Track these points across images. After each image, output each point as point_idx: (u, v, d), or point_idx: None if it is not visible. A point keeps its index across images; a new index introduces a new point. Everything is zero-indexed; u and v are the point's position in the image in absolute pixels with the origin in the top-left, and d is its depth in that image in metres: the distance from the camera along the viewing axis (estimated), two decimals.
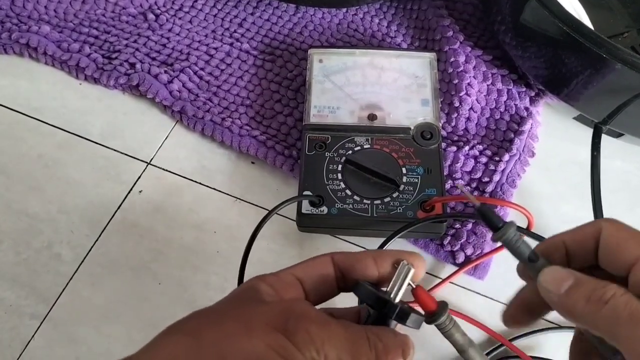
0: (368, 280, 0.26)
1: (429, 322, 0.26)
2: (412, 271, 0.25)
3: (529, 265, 0.25)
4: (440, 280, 0.41)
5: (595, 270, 0.25)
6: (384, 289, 0.26)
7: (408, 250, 0.27)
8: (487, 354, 0.38)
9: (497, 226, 0.25)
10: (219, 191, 0.44)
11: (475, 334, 0.38)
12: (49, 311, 0.39)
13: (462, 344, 0.26)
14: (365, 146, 0.42)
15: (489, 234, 0.42)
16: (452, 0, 0.54)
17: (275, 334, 0.21)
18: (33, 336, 0.39)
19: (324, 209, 0.40)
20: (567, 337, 0.38)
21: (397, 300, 0.25)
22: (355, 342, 0.22)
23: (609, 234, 0.24)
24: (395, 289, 0.25)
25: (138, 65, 0.48)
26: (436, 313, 0.25)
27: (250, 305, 0.23)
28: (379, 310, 0.25)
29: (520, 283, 0.40)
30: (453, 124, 0.47)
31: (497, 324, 0.39)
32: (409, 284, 0.26)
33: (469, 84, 0.47)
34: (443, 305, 0.25)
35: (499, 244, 0.41)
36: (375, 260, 0.26)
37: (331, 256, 0.26)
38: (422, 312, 0.26)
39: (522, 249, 0.25)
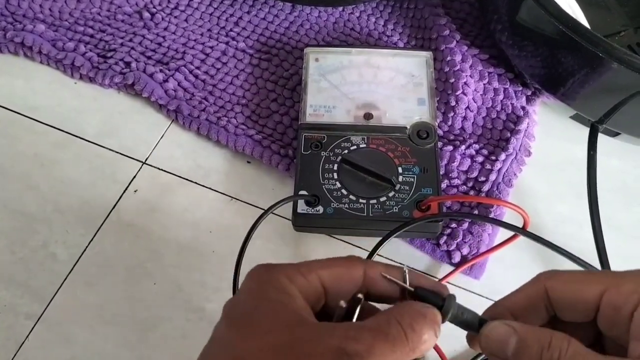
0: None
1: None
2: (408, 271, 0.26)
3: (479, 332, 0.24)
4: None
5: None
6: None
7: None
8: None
9: (438, 304, 0.24)
10: (215, 190, 0.44)
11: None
12: (44, 311, 0.39)
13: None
14: (361, 145, 0.42)
15: (485, 234, 0.42)
16: None
17: None
18: (28, 336, 0.38)
19: (320, 209, 0.39)
20: None
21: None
22: (394, 349, 0.22)
23: (558, 292, 0.24)
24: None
25: (133, 64, 0.48)
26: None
27: (302, 337, 0.22)
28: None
29: (516, 283, 0.40)
30: (449, 123, 0.47)
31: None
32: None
33: (465, 83, 0.47)
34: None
35: (495, 243, 0.42)
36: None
37: (364, 269, 0.25)
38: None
39: (469, 319, 0.24)
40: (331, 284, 0.25)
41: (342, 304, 0.25)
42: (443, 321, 0.24)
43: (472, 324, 0.25)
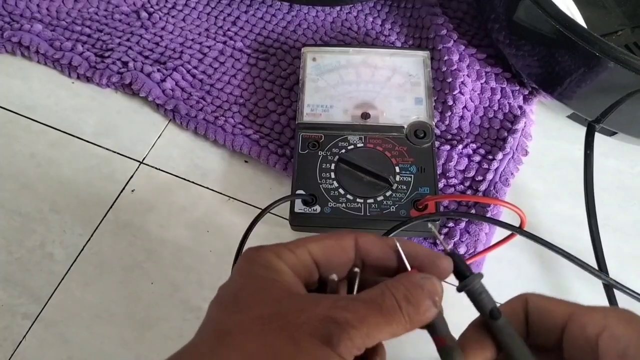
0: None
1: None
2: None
3: (489, 321, 0.25)
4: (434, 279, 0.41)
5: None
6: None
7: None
8: None
9: (464, 275, 0.25)
10: (212, 190, 0.44)
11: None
12: (41, 311, 0.39)
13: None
14: (358, 145, 0.42)
15: (482, 233, 0.42)
16: None
17: (321, 349, 0.20)
18: (25, 336, 0.38)
19: (317, 208, 0.39)
20: None
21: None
22: (390, 321, 0.22)
23: (535, 302, 0.25)
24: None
25: (131, 64, 0.47)
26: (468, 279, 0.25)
27: (288, 307, 0.22)
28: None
29: (513, 283, 0.40)
30: (447, 122, 0.47)
31: None
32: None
33: (462, 82, 0.47)
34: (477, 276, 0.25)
35: (493, 242, 0.42)
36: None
37: (355, 239, 0.25)
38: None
39: (485, 302, 0.25)
40: (322, 257, 0.24)
41: (334, 277, 0.24)
42: (459, 291, 0.25)
43: (484, 309, 0.25)
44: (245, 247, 0.38)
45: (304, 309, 0.21)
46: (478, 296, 0.25)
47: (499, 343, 0.25)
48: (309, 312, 0.21)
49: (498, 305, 0.25)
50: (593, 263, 0.39)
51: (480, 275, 0.25)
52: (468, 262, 0.40)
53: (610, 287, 0.39)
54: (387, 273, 0.25)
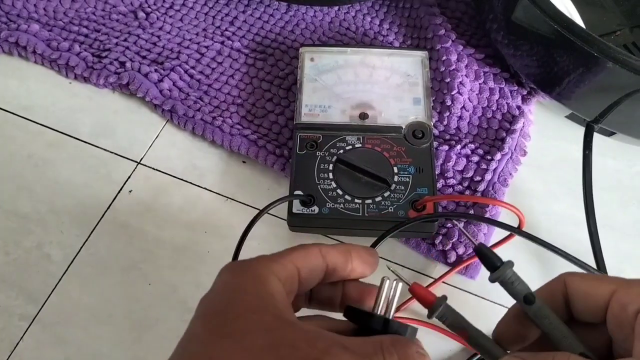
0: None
1: (429, 317, 0.26)
2: (400, 286, 0.25)
3: (525, 307, 0.26)
4: (433, 280, 0.41)
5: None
6: (373, 304, 0.26)
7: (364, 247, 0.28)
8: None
9: (495, 266, 0.26)
10: (210, 191, 0.44)
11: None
12: (39, 312, 0.39)
13: (464, 326, 0.26)
14: (356, 145, 0.42)
15: (481, 233, 0.42)
16: None
17: None
18: (22, 337, 0.38)
19: (315, 209, 0.39)
20: None
21: (392, 316, 0.25)
22: None
23: (575, 286, 0.25)
24: (391, 306, 0.25)
25: (128, 64, 0.47)
26: (434, 306, 0.26)
27: (282, 341, 0.21)
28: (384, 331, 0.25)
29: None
30: (445, 122, 0.47)
31: (488, 324, 0.39)
32: (405, 282, 0.26)
33: (461, 82, 0.47)
34: (441, 299, 0.26)
35: (491, 242, 0.41)
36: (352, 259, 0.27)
37: (319, 250, 0.26)
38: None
39: (518, 290, 0.26)
40: (302, 264, 0.25)
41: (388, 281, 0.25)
42: (492, 281, 0.26)
43: (518, 296, 0.26)
44: (243, 247, 0.38)
45: (298, 347, 0.21)
46: (510, 285, 0.26)
47: (538, 326, 0.26)
48: (302, 352, 0.21)
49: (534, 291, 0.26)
50: (592, 263, 0.39)
51: (511, 264, 0.26)
52: (467, 263, 0.40)
53: None
54: (341, 276, 0.27)
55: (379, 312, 0.25)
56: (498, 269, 0.26)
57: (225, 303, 0.23)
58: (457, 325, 0.26)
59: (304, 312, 0.27)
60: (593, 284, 0.25)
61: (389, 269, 0.29)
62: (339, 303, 0.27)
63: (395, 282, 0.25)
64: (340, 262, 0.26)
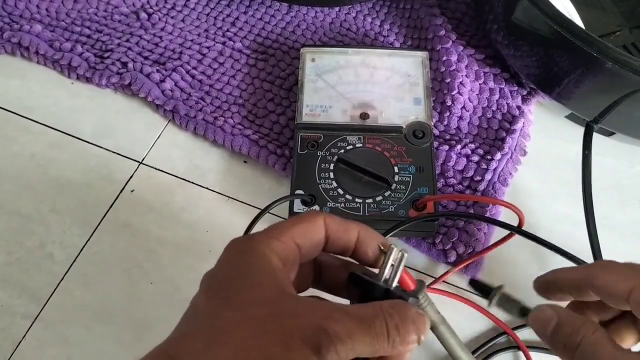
0: (342, 253, 0.26)
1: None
2: (405, 256, 0.25)
3: (524, 320, 0.28)
4: (434, 279, 0.41)
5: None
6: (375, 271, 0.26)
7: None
8: (488, 342, 0.39)
9: (488, 292, 0.29)
10: (211, 190, 0.44)
11: (479, 323, 0.39)
12: (41, 311, 0.39)
13: (434, 320, 0.27)
14: (357, 145, 0.42)
15: (481, 233, 0.42)
16: None
17: (310, 358, 0.21)
18: (24, 336, 0.38)
19: (316, 208, 0.40)
20: None
21: (395, 284, 0.25)
22: (375, 342, 0.22)
23: (598, 284, 0.27)
24: (394, 275, 0.25)
25: (130, 65, 0.48)
26: (415, 291, 0.26)
27: (284, 310, 0.22)
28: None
29: (512, 282, 0.40)
30: (445, 122, 0.47)
31: (488, 322, 0.40)
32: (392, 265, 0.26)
33: (461, 82, 0.47)
34: (421, 284, 0.26)
35: (491, 242, 0.42)
36: (360, 237, 0.26)
37: (324, 219, 0.26)
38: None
39: (512, 309, 0.28)
40: (304, 241, 0.25)
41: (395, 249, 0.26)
42: (489, 306, 0.29)
43: (514, 313, 0.28)
44: None
45: (300, 314, 0.22)
46: (505, 308, 0.29)
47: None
48: (304, 319, 0.22)
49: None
50: (591, 261, 0.39)
51: (500, 288, 0.29)
52: (467, 262, 0.40)
53: None
54: (344, 252, 0.27)
55: (382, 280, 0.25)
56: (490, 296, 0.29)
57: (230, 278, 0.24)
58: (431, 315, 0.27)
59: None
60: (616, 283, 0.26)
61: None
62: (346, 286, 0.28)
63: (402, 252, 0.25)
64: (341, 234, 0.26)
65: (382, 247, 0.26)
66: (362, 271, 0.26)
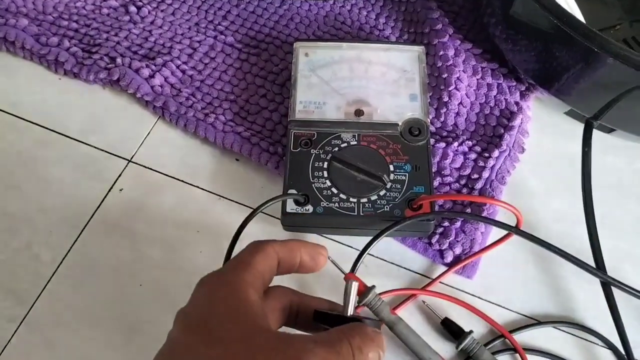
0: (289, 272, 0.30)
1: (359, 303, 0.30)
2: (355, 285, 0.28)
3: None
4: (430, 280, 0.40)
5: None
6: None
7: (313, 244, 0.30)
8: (486, 345, 0.38)
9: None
10: (202, 189, 0.43)
11: (476, 326, 0.38)
12: (27, 313, 0.38)
13: (391, 320, 0.32)
14: (352, 143, 0.41)
15: (478, 232, 0.41)
16: None
17: None
18: (10, 340, 0.38)
19: (310, 208, 0.39)
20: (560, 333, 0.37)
21: (351, 313, 0.28)
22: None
23: None
24: (348, 303, 0.28)
25: (119, 59, 0.46)
26: (364, 293, 0.31)
27: (263, 346, 0.24)
28: None
29: (509, 283, 0.39)
30: (442, 119, 0.46)
31: (485, 323, 0.39)
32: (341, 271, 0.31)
33: (458, 78, 0.46)
34: (369, 289, 0.31)
35: (489, 241, 0.41)
36: (302, 256, 0.30)
37: (272, 247, 0.28)
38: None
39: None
40: (264, 269, 0.28)
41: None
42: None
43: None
44: (236, 247, 0.37)
45: (278, 349, 0.23)
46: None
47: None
48: (283, 354, 0.23)
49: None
50: (591, 261, 0.38)
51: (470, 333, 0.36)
52: (464, 262, 0.40)
53: (608, 285, 0.38)
54: (290, 271, 0.30)
55: (347, 312, 0.28)
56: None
57: (207, 314, 0.25)
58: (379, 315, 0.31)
59: None
60: None
61: (329, 258, 0.31)
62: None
63: (351, 283, 0.28)
64: (288, 257, 0.29)
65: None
66: (329, 308, 0.29)
